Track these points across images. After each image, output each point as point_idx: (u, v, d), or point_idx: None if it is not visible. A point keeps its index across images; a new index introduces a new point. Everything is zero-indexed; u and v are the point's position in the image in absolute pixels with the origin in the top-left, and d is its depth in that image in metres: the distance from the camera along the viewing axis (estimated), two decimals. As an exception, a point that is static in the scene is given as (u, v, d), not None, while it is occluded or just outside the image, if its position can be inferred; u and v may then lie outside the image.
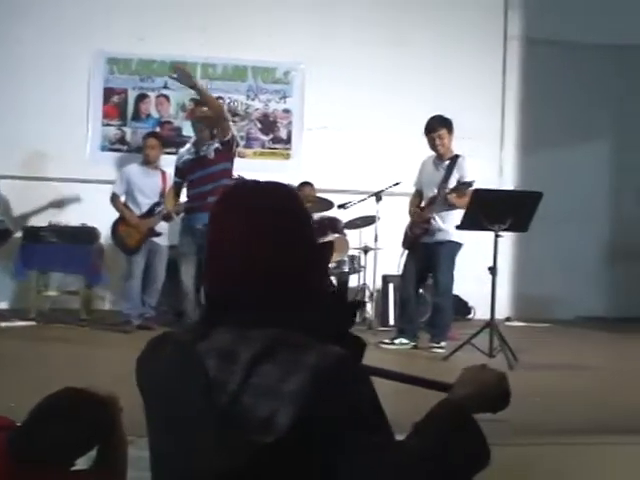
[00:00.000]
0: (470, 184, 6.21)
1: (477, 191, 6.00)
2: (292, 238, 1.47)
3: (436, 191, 6.62)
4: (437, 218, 6.63)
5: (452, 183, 6.53)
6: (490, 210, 5.80)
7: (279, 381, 1.30)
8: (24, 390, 4.52)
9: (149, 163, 7.64)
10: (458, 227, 6.12)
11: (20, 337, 6.87)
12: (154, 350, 1.50)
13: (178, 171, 7.06)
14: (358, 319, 8.10)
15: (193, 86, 6.70)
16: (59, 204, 8.60)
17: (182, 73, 6.65)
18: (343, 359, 1.34)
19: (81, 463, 2.39)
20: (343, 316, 1.50)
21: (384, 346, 6.63)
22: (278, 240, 1.45)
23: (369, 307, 8.29)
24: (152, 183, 7.55)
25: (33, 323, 7.49)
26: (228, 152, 6.78)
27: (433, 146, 6.66)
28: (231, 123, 7.04)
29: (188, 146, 7.05)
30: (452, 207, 6.50)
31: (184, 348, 1.42)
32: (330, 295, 1.54)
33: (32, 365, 5.60)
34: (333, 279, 8.41)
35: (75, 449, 2.29)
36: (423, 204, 6.80)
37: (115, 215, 7.60)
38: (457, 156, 6.67)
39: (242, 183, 1.56)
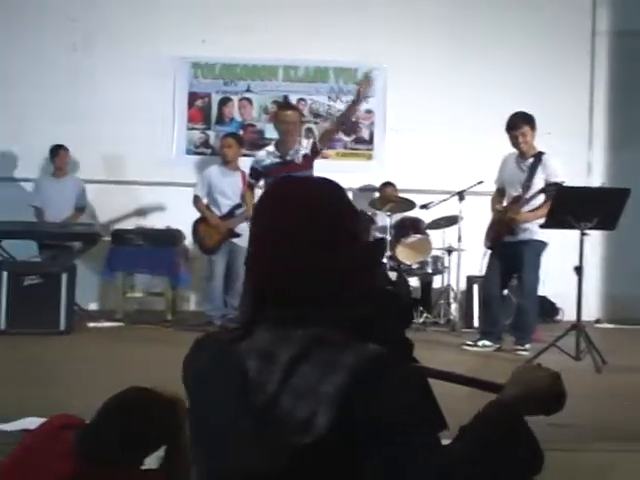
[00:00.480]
0: (559, 185, 6.03)
1: (562, 189, 5.83)
2: (337, 235, 1.43)
3: (520, 190, 6.48)
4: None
5: (536, 182, 6.37)
6: (576, 208, 5.62)
7: (317, 382, 1.27)
8: (103, 389, 4.60)
9: (227, 163, 7.70)
10: (542, 226, 5.96)
11: (106, 337, 7.03)
12: (198, 349, 1.49)
13: (254, 172, 6.95)
14: (441, 321, 8.03)
15: (362, 99, 6.67)
16: (152, 209, 8.76)
17: (367, 85, 6.61)
18: (382, 358, 1.29)
19: (151, 463, 2.41)
20: (394, 315, 1.45)
21: (467, 348, 6.53)
22: (322, 236, 1.41)
23: (453, 308, 8.17)
24: (233, 184, 7.59)
25: (120, 324, 7.65)
26: (313, 159, 6.78)
27: (515, 144, 6.49)
28: None
29: (271, 149, 6.89)
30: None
31: (224, 348, 1.41)
32: (381, 293, 1.50)
33: (114, 365, 5.71)
34: (415, 280, 8.35)
35: (141, 448, 2.30)
36: (505, 203, 6.66)
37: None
38: (541, 153, 6.48)
39: (286, 179, 1.53)
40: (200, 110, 9.06)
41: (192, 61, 8.98)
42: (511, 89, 8.57)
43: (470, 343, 6.58)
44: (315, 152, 6.75)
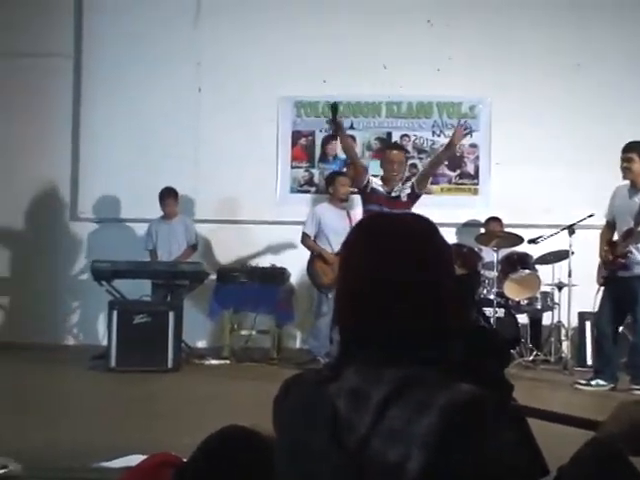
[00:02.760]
0: None
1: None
2: (429, 272, 1.37)
3: (632, 223, 6.25)
4: (634, 250, 6.24)
5: None
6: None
7: (409, 424, 1.21)
8: (212, 428, 4.62)
9: (341, 201, 7.76)
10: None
11: (213, 375, 7.09)
12: (287, 390, 1.47)
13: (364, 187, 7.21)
14: (552, 359, 7.76)
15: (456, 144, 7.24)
16: (258, 247, 8.83)
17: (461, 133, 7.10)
18: (478, 400, 1.22)
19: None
20: (490, 354, 1.38)
21: (579, 387, 6.29)
22: (413, 274, 1.36)
23: (564, 346, 7.89)
24: (342, 222, 7.59)
25: (226, 361, 7.71)
26: (415, 199, 7.09)
27: (621, 169, 6.38)
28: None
29: (379, 182, 7.15)
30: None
31: (313, 389, 1.37)
32: (476, 331, 1.43)
33: (222, 403, 5.74)
34: (524, 316, 8.12)
35: None
36: (616, 237, 6.43)
37: (304, 254, 7.75)
38: None
39: (380, 215, 1.49)
40: (304, 148, 9.14)
41: (295, 100, 9.08)
42: (620, 119, 8.29)
43: (583, 382, 6.35)
44: (415, 195, 7.05)
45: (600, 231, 6.72)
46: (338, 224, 7.59)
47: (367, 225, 1.48)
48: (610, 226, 6.60)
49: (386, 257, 1.37)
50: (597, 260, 6.65)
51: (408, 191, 7.01)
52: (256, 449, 2.26)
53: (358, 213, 7.54)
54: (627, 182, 6.45)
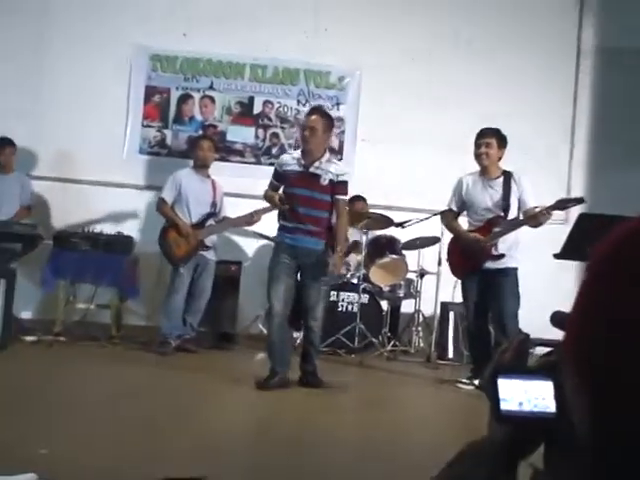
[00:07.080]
0: (575, 201, 5.66)
1: (583, 215, 5.29)
2: None
3: (493, 213, 5.94)
4: (500, 242, 5.95)
5: (513, 202, 5.95)
6: (596, 237, 5.05)
7: None
8: (46, 418, 3.87)
9: (203, 167, 7.03)
10: (556, 256, 5.35)
11: (47, 354, 6.24)
12: None
13: (277, 174, 5.85)
14: (412, 350, 7.46)
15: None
16: (100, 212, 7.89)
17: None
18: None
19: None
20: None
21: (462, 386, 5.91)
22: None
23: (424, 338, 7.58)
24: (205, 192, 6.94)
25: (61, 338, 6.79)
26: (337, 189, 5.73)
27: (478, 155, 6.01)
28: None
29: (297, 155, 5.82)
30: (520, 225, 5.90)
31: None
32: None
33: (60, 388, 4.95)
34: (385, 303, 7.71)
35: None
36: (474, 227, 6.13)
37: (149, 222, 7.01)
38: (509, 173, 6.04)
39: None
40: (157, 106, 8.27)
41: (151, 52, 8.19)
42: (496, 102, 8.01)
43: (466, 381, 5.95)
44: (341, 182, 5.73)
45: (444, 221, 6.44)
46: (200, 192, 6.91)
47: None
48: (456, 216, 6.31)
49: None
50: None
51: (330, 177, 5.66)
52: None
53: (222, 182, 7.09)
54: (473, 171, 6.17)
